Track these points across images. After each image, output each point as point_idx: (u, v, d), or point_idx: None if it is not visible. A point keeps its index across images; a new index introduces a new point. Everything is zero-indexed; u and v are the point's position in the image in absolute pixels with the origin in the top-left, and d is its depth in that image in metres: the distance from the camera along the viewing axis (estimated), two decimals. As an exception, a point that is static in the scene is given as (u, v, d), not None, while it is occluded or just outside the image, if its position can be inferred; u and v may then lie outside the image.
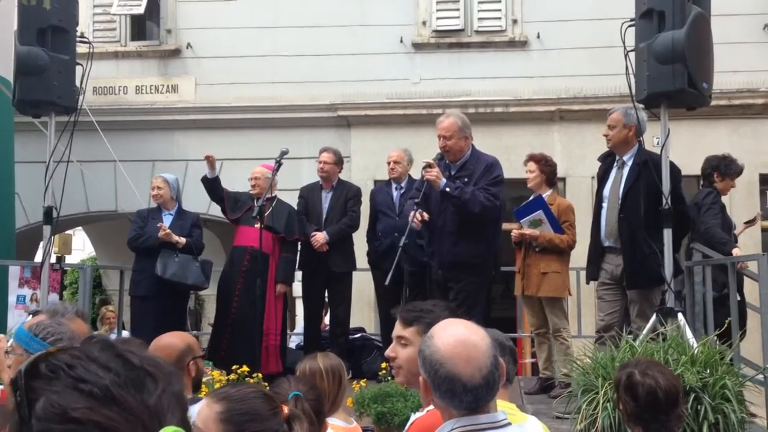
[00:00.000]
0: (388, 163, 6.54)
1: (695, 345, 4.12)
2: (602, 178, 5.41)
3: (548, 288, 5.63)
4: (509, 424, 1.84)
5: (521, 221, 5.79)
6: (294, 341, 7.52)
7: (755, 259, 4.90)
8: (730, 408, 3.69)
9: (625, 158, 5.23)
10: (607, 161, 5.42)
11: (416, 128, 8.68)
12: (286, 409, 1.37)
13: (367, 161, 8.99)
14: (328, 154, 6.55)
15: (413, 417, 2.30)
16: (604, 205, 5.27)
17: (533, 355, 6.37)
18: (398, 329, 2.25)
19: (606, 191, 5.29)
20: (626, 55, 4.81)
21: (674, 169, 4.96)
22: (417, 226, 5.09)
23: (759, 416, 4.14)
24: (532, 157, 5.94)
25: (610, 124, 5.27)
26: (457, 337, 1.78)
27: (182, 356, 2.95)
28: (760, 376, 4.37)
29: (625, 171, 5.20)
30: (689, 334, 4.41)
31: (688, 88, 4.59)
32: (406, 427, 2.26)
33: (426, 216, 5.08)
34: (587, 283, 5.82)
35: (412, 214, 5.06)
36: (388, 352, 2.27)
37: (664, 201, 4.75)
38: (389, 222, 6.31)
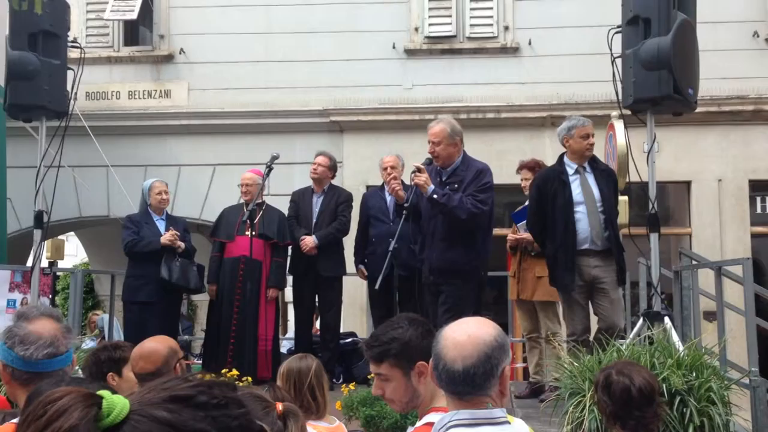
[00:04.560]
0: (385, 169, 6.36)
1: (681, 348, 4.16)
2: (562, 186, 5.24)
3: (543, 292, 5.65)
4: (507, 422, 1.88)
5: (518, 225, 5.80)
6: (285, 346, 7.53)
7: (741, 263, 4.94)
8: (715, 411, 3.72)
9: (584, 164, 5.31)
10: (560, 170, 5.33)
11: (408, 134, 8.70)
12: (280, 407, 1.37)
13: (360, 166, 9.00)
14: (323, 158, 6.56)
15: (409, 430, 2.31)
16: (580, 209, 5.18)
17: (524, 360, 6.38)
18: (373, 367, 2.22)
19: (578, 196, 5.20)
20: (613, 62, 4.85)
21: (614, 173, 5.52)
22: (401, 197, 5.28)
23: (744, 418, 4.17)
24: (524, 165, 5.97)
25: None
26: (462, 326, 1.91)
27: (168, 359, 2.98)
28: (746, 379, 4.41)
29: (589, 176, 5.27)
30: (675, 337, 4.45)
31: (674, 94, 4.64)
32: None
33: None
34: (562, 290, 5.30)
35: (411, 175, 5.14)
36: (375, 391, 2.24)
37: (651, 206, 4.80)
38: (383, 227, 6.27)
